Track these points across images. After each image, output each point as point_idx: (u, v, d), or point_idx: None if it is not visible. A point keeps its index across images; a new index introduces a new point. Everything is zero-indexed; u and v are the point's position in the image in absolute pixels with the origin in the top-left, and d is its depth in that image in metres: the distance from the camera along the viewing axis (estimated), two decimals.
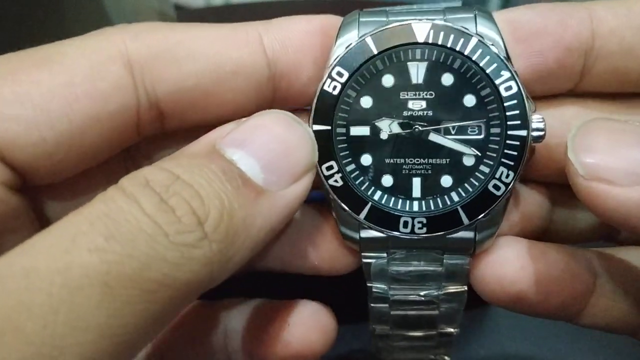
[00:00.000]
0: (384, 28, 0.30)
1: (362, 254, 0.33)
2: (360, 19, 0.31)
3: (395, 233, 0.31)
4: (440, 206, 0.31)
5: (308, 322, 0.34)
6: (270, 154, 0.26)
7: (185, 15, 0.82)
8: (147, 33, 0.28)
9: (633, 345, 0.43)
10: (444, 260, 0.32)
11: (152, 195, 0.22)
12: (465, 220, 0.30)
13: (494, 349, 0.49)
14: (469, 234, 0.31)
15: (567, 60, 0.30)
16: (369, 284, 0.34)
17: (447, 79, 0.30)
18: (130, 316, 0.20)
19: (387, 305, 0.35)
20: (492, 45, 0.29)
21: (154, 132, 0.31)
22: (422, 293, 0.33)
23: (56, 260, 0.20)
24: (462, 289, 0.34)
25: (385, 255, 0.32)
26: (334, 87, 0.30)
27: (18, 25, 0.51)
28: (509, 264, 0.31)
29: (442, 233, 0.31)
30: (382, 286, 0.33)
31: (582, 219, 0.35)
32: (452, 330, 0.37)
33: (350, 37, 0.30)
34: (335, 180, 0.31)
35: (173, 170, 0.23)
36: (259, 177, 0.25)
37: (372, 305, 0.35)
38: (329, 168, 0.31)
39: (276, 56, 0.30)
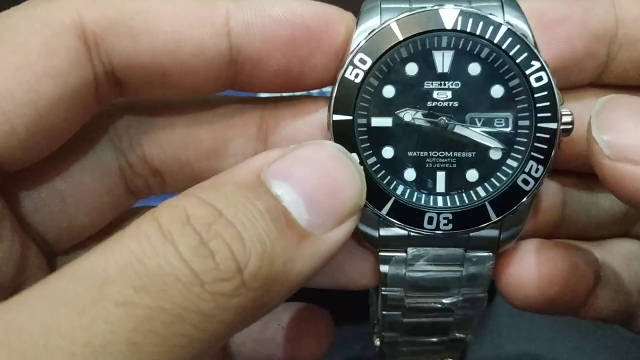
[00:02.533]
0: (410, 13, 0.28)
1: (380, 254, 0.31)
2: (382, 5, 0.29)
3: (419, 230, 0.29)
4: (467, 201, 0.29)
5: (303, 326, 0.32)
6: (317, 192, 0.23)
7: None
8: (103, 0, 0.26)
9: (633, 344, 0.44)
10: (465, 263, 0.30)
11: (191, 236, 0.20)
12: (493, 216, 0.29)
13: (494, 350, 0.49)
14: (493, 232, 0.30)
15: (593, 47, 0.29)
16: (383, 292, 0.32)
17: (474, 69, 0.29)
18: None
19: (400, 312, 0.33)
20: (522, 34, 0.28)
21: (114, 101, 0.29)
22: (444, 301, 0.32)
23: (80, 314, 0.18)
24: (482, 295, 0.32)
25: (404, 255, 0.31)
26: (356, 75, 0.28)
27: None
28: (536, 264, 0.30)
29: (468, 229, 0.29)
30: (398, 293, 0.32)
31: (597, 211, 0.34)
32: (464, 336, 0.35)
33: (372, 24, 0.29)
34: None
35: (216, 205, 0.21)
36: (304, 218, 0.23)
37: (384, 313, 0.33)
38: None
39: (240, 42, 0.27)
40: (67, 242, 0.31)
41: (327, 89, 0.30)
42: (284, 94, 0.32)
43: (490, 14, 0.28)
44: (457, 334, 0.35)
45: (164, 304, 0.19)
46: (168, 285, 0.19)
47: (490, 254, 0.30)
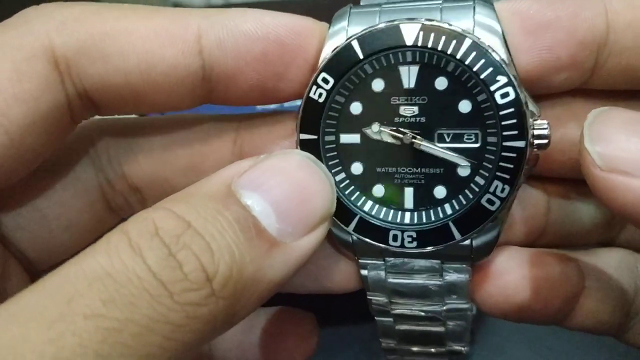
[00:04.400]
0: (370, 30, 0.28)
1: (359, 260, 0.32)
2: (351, 17, 0.29)
3: (385, 246, 0.29)
4: (432, 219, 0.29)
5: (286, 329, 0.33)
6: (287, 201, 0.24)
7: None
8: (73, 22, 0.26)
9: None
10: (444, 272, 0.30)
11: (159, 248, 0.21)
12: (457, 236, 0.28)
13: (494, 352, 0.48)
14: (464, 243, 0.29)
15: (579, 55, 0.27)
16: (368, 296, 0.33)
17: (441, 83, 0.28)
18: None
19: (390, 319, 0.34)
20: (489, 46, 0.26)
21: (91, 117, 0.30)
22: (428, 308, 0.32)
23: (49, 327, 0.18)
24: (465, 306, 0.32)
25: (382, 262, 0.31)
26: (320, 95, 0.29)
27: None
28: (511, 274, 0.30)
29: (432, 248, 0.29)
30: (382, 299, 0.32)
31: (581, 219, 0.32)
32: (460, 348, 0.35)
33: (339, 39, 0.29)
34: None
35: (185, 217, 0.22)
36: (274, 227, 0.23)
37: (376, 318, 0.34)
38: None
39: (213, 60, 0.28)
40: (49, 260, 0.32)
41: None
42: (260, 109, 0.33)
43: (456, 26, 0.27)
44: (453, 346, 0.35)
45: (133, 316, 0.19)
46: (136, 298, 0.19)
47: (467, 264, 0.30)
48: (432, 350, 0.35)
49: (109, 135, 0.33)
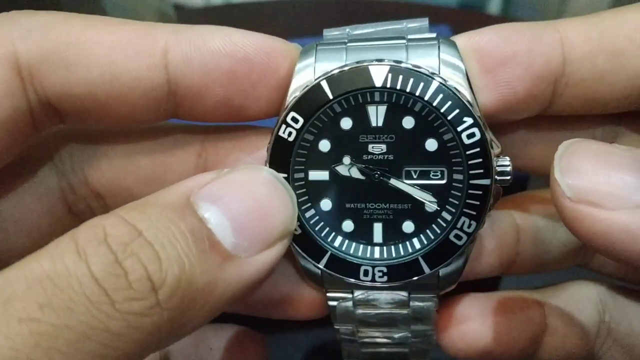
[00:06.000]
0: (340, 70, 0.28)
1: (327, 294, 0.32)
2: (317, 54, 0.29)
3: (356, 281, 0.30)
4: (402, 253, 0.30)
5: (233, 348, 0.33)
6: (245, 216, 0.24)
7: (185, 14, 0.81)
8: (39, 31, 0.26)
9: None
10: (410, 303, 0.31)
11: (106, 255, 0.20)
12: (427, 270, 0.29)
13: None
14: (432, 276, 0.30)
15: (536, 89, 0.28)
16: (335, 326, 0.33)
17: (408, 122, 0.29)
18: None
19: (356, 344, 0.34)
20: (455, 88, 0.27)
21: (54, 127, 0.30)
22: (395, 336, 0.33)
23: None
24: (431, 332, 0.33)
25: (350, 296, 0.32)
26: (289, 134, 0.29)
27: None
28: (472, 322, 0.31)
29: (402, 282, 0.30)
30: (349, 328, 0.33)
31: (551, 247, 0.34)
32: None
33: (307, 73, 0.29)
34: (294, 229, 0.30)
35: (137, 225, 0.22)
36: (229, 240, 0.23)
37: (342, 344, 0.35)
38: None
39: (178, 75, 0.27)
40: (7, 263, 0.32)
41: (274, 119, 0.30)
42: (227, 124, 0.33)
43: (423, 68, 0.28)
44: None
45: (69, 322, 0.19)
46: (75, 303, 0.19)
47: (434, 295, 0.31)
48: None
49: (73, 140, 0.32)
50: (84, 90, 0.27)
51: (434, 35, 0.29)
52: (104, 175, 0.32)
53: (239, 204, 0.24)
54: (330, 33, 0.31)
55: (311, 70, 0.29)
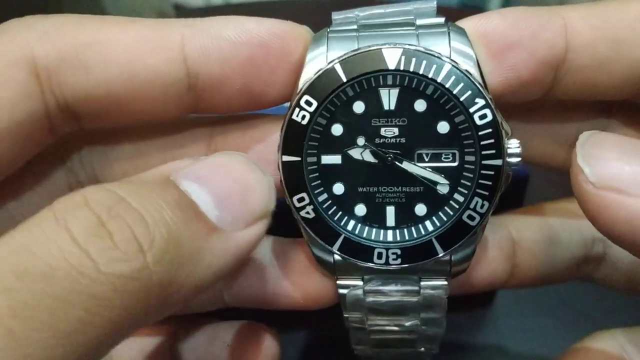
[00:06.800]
0: (354, 53, 0.29)
1: (338, 282, 0.32)
2: (329, 42, 0.29)
3: (370, 264, 0.30)
4: (415, 236, 0.30)
5: (247, 344, 0.33)
6: (227, 194, 0.24)
7: (185, 15, 0.81)
8: (55, 33, 0.26)
9: None
10: (421, 290, 0.31)
11: (87, 217, 0.19)
12: (440, 251, 0.29)
13: (494, 350, 0.49)
14: (444, 257, 0.30)
15: (539, 74, 0.29)
16: (345, 314, 0.33)
17: (420, 105, 0.29)
18: None
19: (365, 331, 0.34)
20: (466, 70, 0.28)
21: (72, 131, 0.30)
22: (405, 324, 0.33)
23: None
24: (441, 318, 0.33)
25: (361, 283, 0.32)
26: (303, 117, 0.29)
27: None
28: None
29: (416, 264, 0.30)
30: (359, 316, 0.33)
31: (552, 257, 0.34)
32: (431, 348, 0.36)
33: (319, 61, 0.29)
34: (307, 212, 0.30)
35: (119, 192, 0.21)
36: (213, 213, 0.23)
37: (350, 332, 0.35)
38: (300, 200, 0.30)
39: (197, 67, 0.27)
40: None
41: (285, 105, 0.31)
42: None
43: (435, 52, 0.28)
44: (425, 346, 0.36)
45: (49, 289, 0.18)
46: (54, 269, 0.18)
47: (444, 280, 0.31)
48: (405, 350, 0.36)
49: (82, 137, 0.32)
50: (103, 91, 0.27)
51: (442, 20, 0.30)
52: (112, 170, 0.32)
53: (220, 183, 0.24)
54: (338, 16, 0.31)
55: (323, 58, 0.29)
